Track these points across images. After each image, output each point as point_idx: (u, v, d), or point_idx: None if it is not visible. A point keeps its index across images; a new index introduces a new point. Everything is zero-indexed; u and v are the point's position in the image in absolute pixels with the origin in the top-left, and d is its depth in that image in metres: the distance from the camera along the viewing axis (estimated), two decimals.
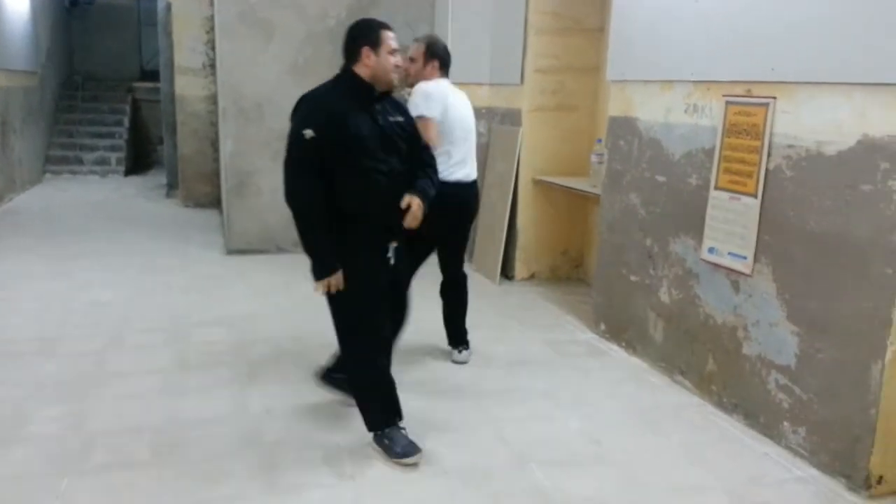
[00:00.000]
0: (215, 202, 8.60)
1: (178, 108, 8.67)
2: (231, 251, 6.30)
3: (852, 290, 2.82)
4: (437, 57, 3.70)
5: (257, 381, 3.69)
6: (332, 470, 2.88)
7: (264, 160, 6.18)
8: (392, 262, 3.02)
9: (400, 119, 3.02)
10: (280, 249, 6.32)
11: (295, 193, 2.83)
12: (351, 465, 2.92)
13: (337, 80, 2.96)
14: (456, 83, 3.83)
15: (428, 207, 3.00)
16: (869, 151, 2.74)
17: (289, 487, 2.76)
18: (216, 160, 8.56)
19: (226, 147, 6.26)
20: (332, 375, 3.42)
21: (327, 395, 3.46)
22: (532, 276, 5.70)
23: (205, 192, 8.73)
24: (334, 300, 2.94)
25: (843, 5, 2.80)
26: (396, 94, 3.21)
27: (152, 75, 12.17)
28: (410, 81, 3.74)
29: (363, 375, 3.04)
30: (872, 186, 2.72)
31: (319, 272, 2.85)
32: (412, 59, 3.71)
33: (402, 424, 3.03)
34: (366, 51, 2.86)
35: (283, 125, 6.32)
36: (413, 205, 2.92)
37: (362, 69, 2.89)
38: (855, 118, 2.79)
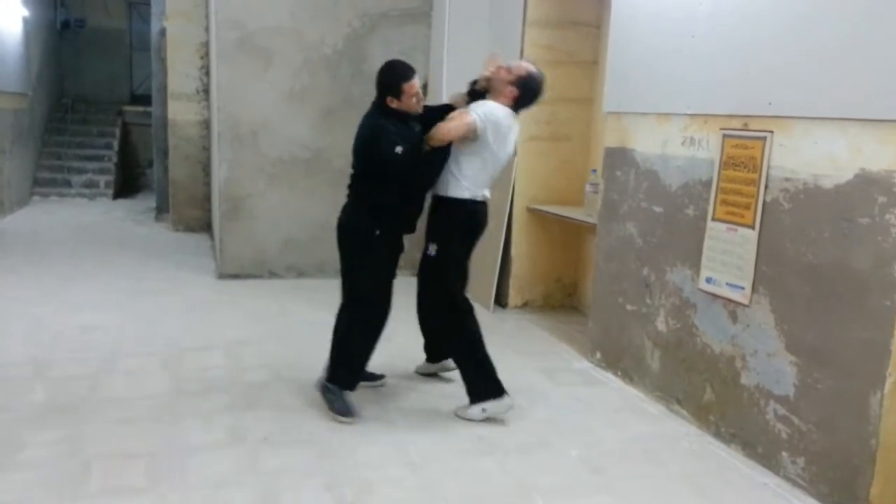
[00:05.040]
0: (205, 226, 8.57)
1: (171, 132, 8.65)
2: (223, 275, 6.26)
3: (850, 321, 2.86)
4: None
5: (255, 407, 3.66)
6: (333, 496, 2.86)
7: (258, 185, 6.20)
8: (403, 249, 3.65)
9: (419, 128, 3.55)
10: (272, 274, 6.30)
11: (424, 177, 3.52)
12: (351, 492, 2.89)
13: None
14: None
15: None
16: (866, 185, 2.80)
17: None
18: (207, 184, 8.56)
19: (220, 172, 6.26)
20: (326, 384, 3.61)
21: (325, 422, 3.45)
22: (525, 304, 5.72)
23: (195, 216, 8.70)
24: (360, 269, 3.51)
25: (839, 42, 2.88)
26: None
27: (142, 99, 12.16)
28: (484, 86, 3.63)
29: (358, 340, 3.58)
30: (870, 219, 2.78)
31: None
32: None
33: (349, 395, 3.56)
34: (389, 98, 3.45)
35: (279, 151, 6.44)
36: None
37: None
38: (851, 153, 2.86)
